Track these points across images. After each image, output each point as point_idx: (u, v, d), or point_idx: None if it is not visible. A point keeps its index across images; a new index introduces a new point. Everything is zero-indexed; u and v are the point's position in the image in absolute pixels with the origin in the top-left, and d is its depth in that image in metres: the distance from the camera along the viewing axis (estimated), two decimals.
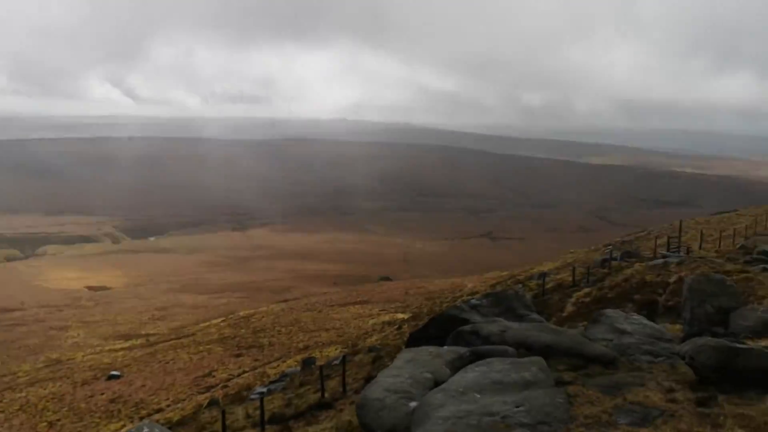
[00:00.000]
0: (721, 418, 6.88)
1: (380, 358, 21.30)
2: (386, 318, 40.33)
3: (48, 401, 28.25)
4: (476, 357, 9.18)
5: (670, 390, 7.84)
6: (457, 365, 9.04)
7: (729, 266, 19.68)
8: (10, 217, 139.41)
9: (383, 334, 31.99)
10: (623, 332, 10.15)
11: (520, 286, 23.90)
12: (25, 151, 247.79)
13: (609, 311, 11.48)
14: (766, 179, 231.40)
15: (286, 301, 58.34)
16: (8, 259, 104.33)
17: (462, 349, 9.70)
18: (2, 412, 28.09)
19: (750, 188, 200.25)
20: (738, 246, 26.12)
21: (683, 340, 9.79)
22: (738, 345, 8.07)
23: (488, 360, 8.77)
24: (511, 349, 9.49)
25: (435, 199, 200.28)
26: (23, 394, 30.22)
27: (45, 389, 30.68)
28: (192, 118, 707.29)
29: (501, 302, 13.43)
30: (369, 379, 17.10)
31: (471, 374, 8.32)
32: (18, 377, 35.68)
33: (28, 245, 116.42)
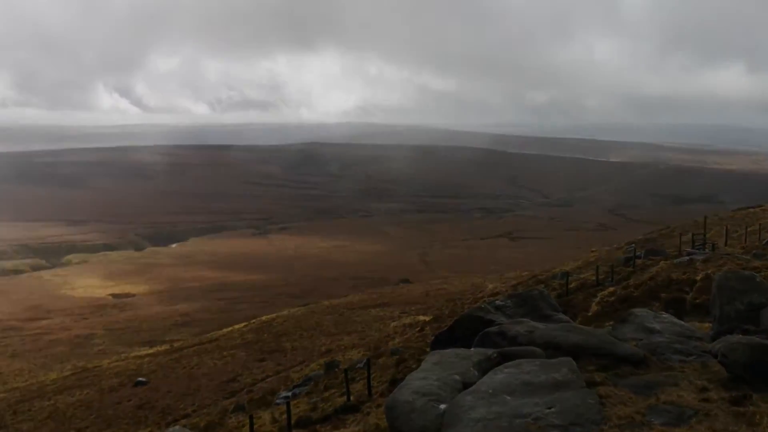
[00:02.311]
0: (757, 416, 6.81)
1: (404, 360, 21.30)
2: (408, 320, 40.30)
3: (76, 408, 28.58)
4: (504, 358, 9.15)
5: (704, 389, 7.77)
6: (485, 367, 9.02)
7: (756, 263, 19.46)
8: (35, 227, 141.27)
9: (405, 336, 31.97)
10: (652, 331, 10.06)
11: (543, 286, 23.78)
12: (43, 161, 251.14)
13: (637, 310, 11.39)
14: None
15: (306, 304, 58.54)
16: (34, 269, 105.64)
17: (489, 351, 9.67)
18: (31, 420, 28.48)
19: None
20: (765, 242, 25.81)
21: (713, 338, 9.68)
22: None
23: (517, 361, 8.75)
24: (539, 350, 9.45)
25: (450, 199, 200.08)
26: (52, 401, 30.59)
27: (73, 396, 31.03)
28: (200, 125, 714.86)
29: (526, 303, 13.38)
30: (394, 381, 17.12)
31: (500, 376, 8.31)
32: (46, 385, 36.13)
33: (53, 254, 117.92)
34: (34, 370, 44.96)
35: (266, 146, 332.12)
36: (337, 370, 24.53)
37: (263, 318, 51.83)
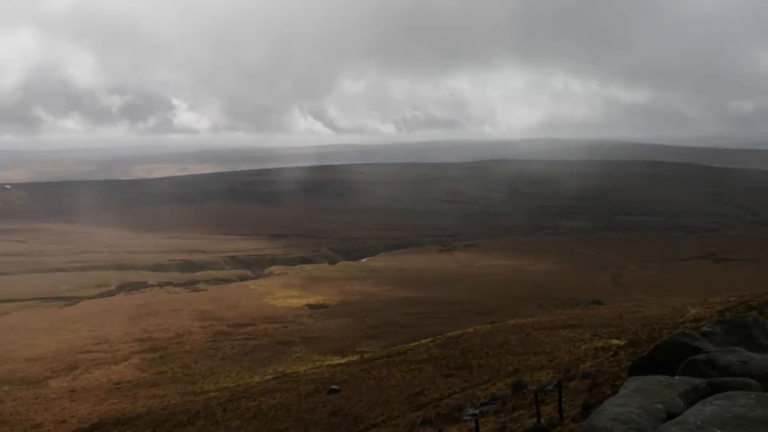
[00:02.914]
0: None
1: (597, 385, 20.35)
2: (600, 344, 38.46)
3: (277, 411, 30.66)
4: (714, 389, 8.47)
5: None
6: (692, 397, 8.41)
7: None
8: (242, 241, 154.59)
9: (597, 360, 30.53)
10: None
11: (756, 313, 21.57)
12: (248, 180, 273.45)
13: None
14: None
15: (492, 322, 58.03)
16: (241, 279, 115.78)
17: (696, 380, 9.00)
18: (239, 418, 31.01)
19: None
20: None
21: None
22: None
23: (729, 393, 8.05)
24: (754, 383, 8.62)
25: (643, 217, 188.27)
26: (256, 402, 33.04)
27: (274, 399, 33.29)
28: (388, 144, 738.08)
29: (737, 330, 12.25)
30: (587, 407, 16.44)
31: (709, 408, 7.70)
32: (251, 387, 39.10)
33: (257, 266, 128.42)
34: (240, 372, 48.95)
35: (451, 163, 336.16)
36: (525, 390, 24.05)
37: (449, 334, 52.19)
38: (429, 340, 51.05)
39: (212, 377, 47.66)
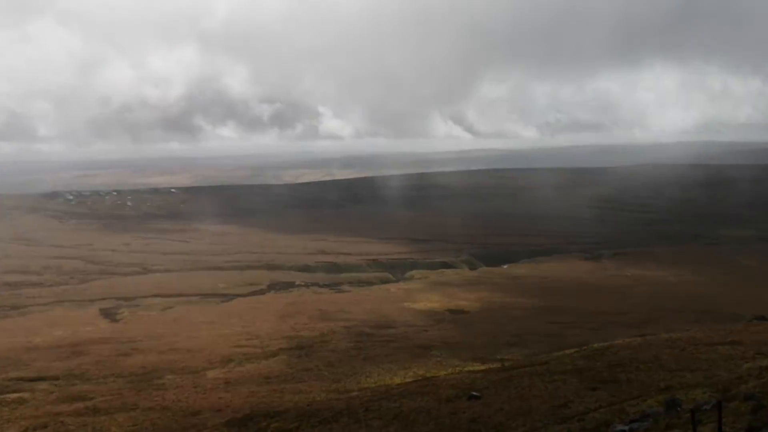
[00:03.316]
0: None
1: (762, 407, 18.72)
2: (765, 363, 35.34)
3: (418, 414, 30.89)
4: None
5: None
6: None
7: None
8: (384, 244, 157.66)
9: (762, 380, 28.08)
10: None
11: None
12: (390, 185, 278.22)
13: None
14: None
15: (643, 335, 55.10)
16: (382, 282, 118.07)
17: None
18: (380, 419, 31.58)
19: None
20: None
21: None
22: None
23: None
24: None
25: None
26: (397, 404, 33.47)
27: (414, 402, 33.56)
28: (529, 149, 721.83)
29: None
30: (750, 429, 15.20)
31: None
32: (392, 388, 39.69)
33: (398, 269, 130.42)
34: (381, 373, 49.86)
35: (598, 168, 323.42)
36: (679, 409, 22.60)
37: (595, 345, 50.21)
38: (573, 350, 49.37)
39: (354, 377, 48.92)
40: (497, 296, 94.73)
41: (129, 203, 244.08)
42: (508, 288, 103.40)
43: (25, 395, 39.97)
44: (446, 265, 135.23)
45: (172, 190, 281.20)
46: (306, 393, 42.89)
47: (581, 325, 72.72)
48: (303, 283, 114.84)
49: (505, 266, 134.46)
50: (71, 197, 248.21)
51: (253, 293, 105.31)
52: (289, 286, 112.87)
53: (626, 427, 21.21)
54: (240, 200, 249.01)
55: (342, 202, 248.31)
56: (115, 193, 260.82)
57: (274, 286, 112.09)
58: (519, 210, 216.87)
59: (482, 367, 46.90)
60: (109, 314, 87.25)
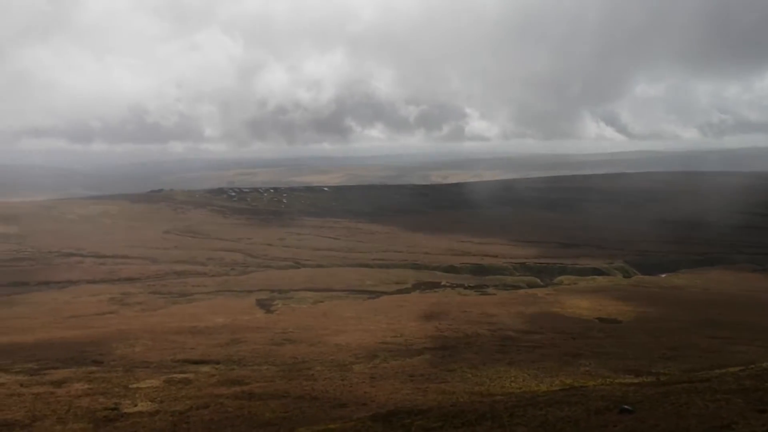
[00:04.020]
0: None
1: None
2: None
3: (564, 423, 29.86)
4: None
5: None
6: None
7: None
8: (531, 248, 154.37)
9: None
10: None
11: None
12: (537, 187, 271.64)
13: None
14: None
15: None
16: (529, 286, 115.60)
17: None
18: (525, 425, 30.86)
19: None
20: None
21: None
22: None
23: None
24: None
25: None
26: (543, 412, 32.61)
27: (561, 411, 32.52)
28: (690, 151, 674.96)
29: None
30: None
31: None
32: (537, 396, 38.72)
33: (546, 274, 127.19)
34: (526, 379, 48.79)
35: None
36: None
37: (764, 365, 46.03)
38: (738, 368, 45.57)
39: (499, 381, 48.24)
40: (653, 306, 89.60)
41: (285, 200, 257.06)
42: (665, 298, 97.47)
43: (190, 376, 43.10)
44: (598, 272, 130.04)
45: (325, 188, 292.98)
46: (449, 393, 42.89)
47: (748, 341, 66.95)
48: (448, 284, 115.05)
49: (663, 275, 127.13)
50: (234, 194, 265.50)
51: (399, 291, 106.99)
52: (434, 286, 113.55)
53: None
54: (388, 199, 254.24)
55: (489, 204, 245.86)
56: (272, 191, 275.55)
57: (419, 286, 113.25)
58: (679, 215, 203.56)
59: (635, 380, 44.51)
60: (264, 305, 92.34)
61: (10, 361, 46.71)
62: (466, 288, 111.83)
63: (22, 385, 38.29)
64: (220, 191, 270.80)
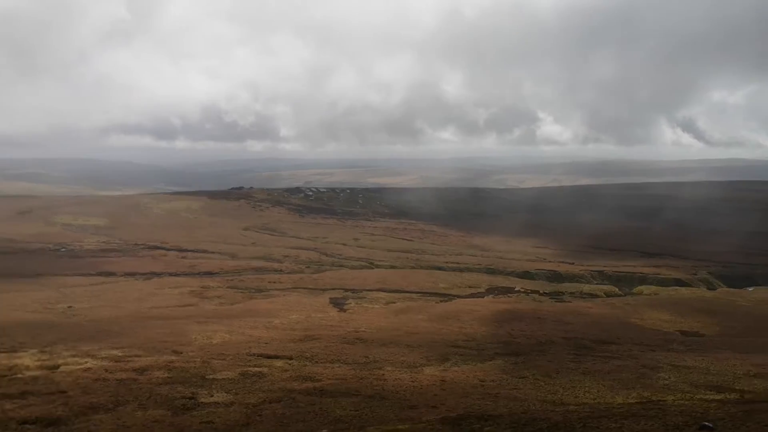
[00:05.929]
0: None
1: None
2: None
3: None
4: None
5: None
6: None
7: None
8: (610, 256, 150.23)
9: None
10: None
11: None
12: (616, 194, 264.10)
13: None
14: None
15: None
16: (607, 295, 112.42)
17: None
18: None
19: None
20: None
21: None
22: None
23: None
24: None
25: None
26: (618, 424, 31.67)
27: (638, 425, 31.56)
28: None
29: None
30: None
31: None
32: (612, 407, 37.68)
33: (625, 283, 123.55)
34: (601, 390, 47.46)
35: None
36: None
37: None
38: None
39: (572, 390, 47.14)
40: (738, 321, 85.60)
41: (360, 201, 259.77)
42: (752, 313, 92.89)
43: (264, 370, 43.99)
44: (680, 283, 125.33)
45: (398, 189, 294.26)
46: (521, 401, 42.24)
47: None
48: (522, 290, 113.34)
49: (750, 289, 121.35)
50: (311, 193, 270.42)
51: (472, 295, 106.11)
52: (508, 291, 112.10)
53: None
54: (463, 203, 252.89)
55: (566, 209, 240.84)
56: (348, 191, 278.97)
57: (493, 290, 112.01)
58: (763, 227, 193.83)
59: (717, 396, 42.62)
60: (337, 304, 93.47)
61: (97, 347, 49.07)
62: (540, 294, 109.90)
63: (107, 371, 40.17)
64: (297, 190, 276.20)
